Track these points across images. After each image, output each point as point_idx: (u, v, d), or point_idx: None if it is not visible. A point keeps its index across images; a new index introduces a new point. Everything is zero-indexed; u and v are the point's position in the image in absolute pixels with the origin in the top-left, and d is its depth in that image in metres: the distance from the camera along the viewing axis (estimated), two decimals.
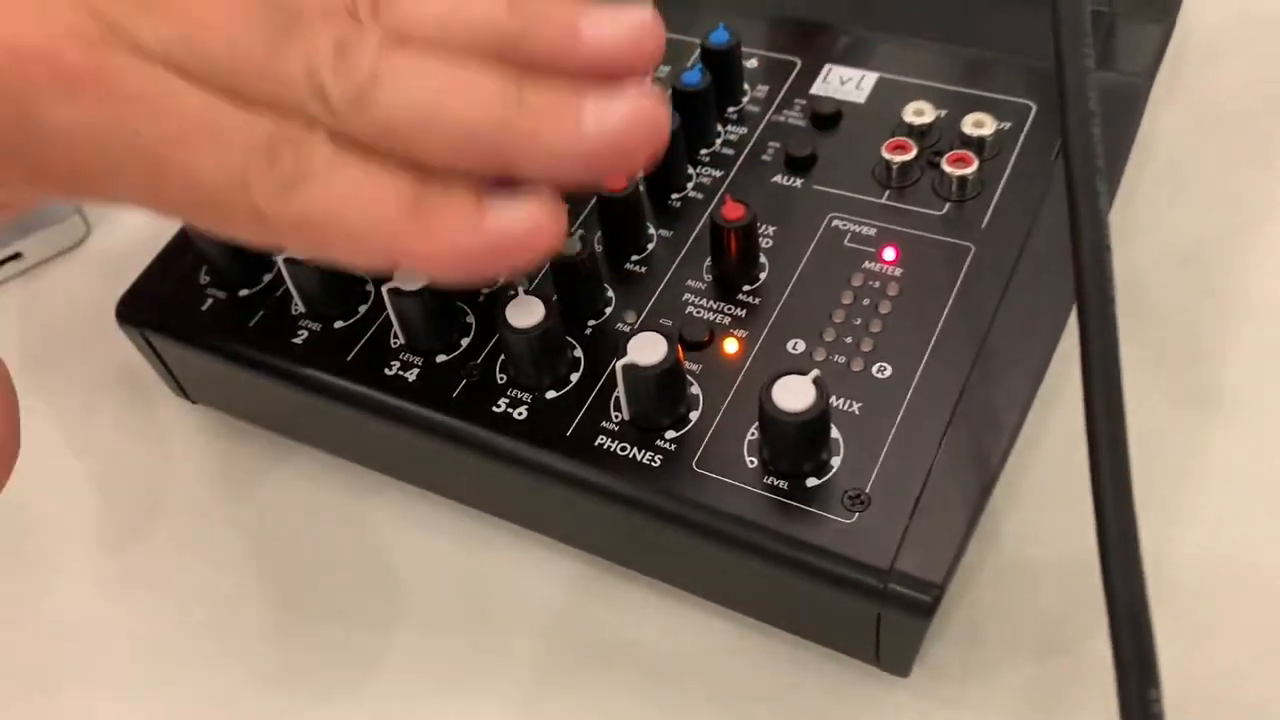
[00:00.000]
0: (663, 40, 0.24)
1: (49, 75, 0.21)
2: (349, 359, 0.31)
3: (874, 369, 0.28)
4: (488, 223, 0.21)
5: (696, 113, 0.33)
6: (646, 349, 0.27)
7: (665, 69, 0.37)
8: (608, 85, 0.22)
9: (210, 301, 0.33)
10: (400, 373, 0.30)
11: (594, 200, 0.32)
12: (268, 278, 0.33)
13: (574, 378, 0.29)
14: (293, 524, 0.34)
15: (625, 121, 0.22)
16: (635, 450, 0.28)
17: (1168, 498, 0.30)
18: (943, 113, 0.33)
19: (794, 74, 0.36)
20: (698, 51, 0.35)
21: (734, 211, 0.29)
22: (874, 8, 0.37)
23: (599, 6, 0.23)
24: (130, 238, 0.43)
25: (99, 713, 0.30)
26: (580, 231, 0.31)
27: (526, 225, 0.22)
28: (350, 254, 0.22)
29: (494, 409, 0.29)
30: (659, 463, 0.27)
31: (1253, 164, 0.37)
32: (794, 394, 0.25)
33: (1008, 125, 0.33)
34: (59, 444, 0.36)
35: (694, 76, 0.33)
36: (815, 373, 0.26)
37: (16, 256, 0.42)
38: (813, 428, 0.26)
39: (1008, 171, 0.32)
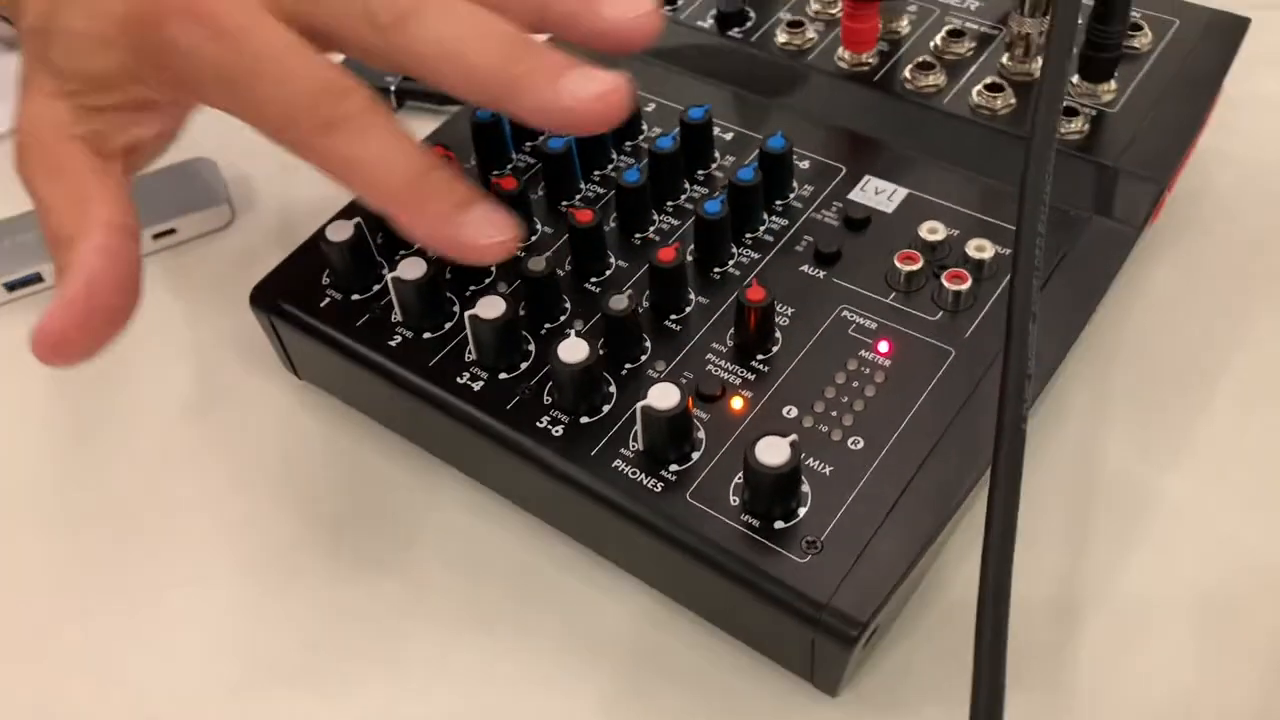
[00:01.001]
0: (658, 27, 0.31)
1: (182, 6, 0.29)
2: (431, 364, 0.38)
3: (849, 441, 0.34)
4: (460, 224, 0.29)
5: (745, 203, 0.40)
6: (663, 396, 0.33)
7: (730, 159, 0.43)
8: (591, 66, 0.29)
9: (328, 300, 0.40)
10: (469, 382, 0.37)
11: (647, 266, 0.38)
12: (377, 288, 0.40)
13: (606, 409, 0.36)
14: (367, 497, 0.41)
15: (592, 99, 0.28)
16: (643, 475, 0.34)
17: (1119, 532, 0.36)
18: (954, 232, 0.39)
19: (837, 179, 0.42)
20: (757, 151, 0.41)
21: (756, 294, 0.36)
22: (920, 133, 0.43)
23: None
24: (267, 228, 0.50)
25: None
26: (630, 291, 0.37)
27: (487, 241, 0.29)
28: (361, 195, 0.30)
29: (538, 423, 0.36)
30: (660, 489, 0.34)
31: (1229, 310, 0.42)
32: (773, 451, 0.32)
33: (1006, 252, 0.39)
34: (175, 390, 0.44)
35: (748, 174, 0.39)
36: (794, 437, 0.32)
37: (171, 231, 0.50)
38: (784, 481, 0.32)
39: (997, 293, 0.38)
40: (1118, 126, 0.41)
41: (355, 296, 0.40)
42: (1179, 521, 0.37)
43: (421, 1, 0.29)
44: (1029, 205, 0.30)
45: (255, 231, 0.51)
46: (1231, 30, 0.45)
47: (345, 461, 0.42)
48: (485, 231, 0.29)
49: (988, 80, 0.43)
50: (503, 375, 0.37)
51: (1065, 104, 0.41)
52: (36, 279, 0.48)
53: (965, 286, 0.37)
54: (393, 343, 0.39)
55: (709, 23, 0.48)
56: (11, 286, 0.48)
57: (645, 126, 0.45)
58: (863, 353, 0.36)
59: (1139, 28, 0.44)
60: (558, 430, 0.36)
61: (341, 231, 0.39)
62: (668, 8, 0.49)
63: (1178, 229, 0.45)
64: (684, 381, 0.36)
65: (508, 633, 0.37)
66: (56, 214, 0.31)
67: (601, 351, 0.37)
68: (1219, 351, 0.41)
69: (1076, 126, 0.41)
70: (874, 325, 0.37)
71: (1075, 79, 0.42)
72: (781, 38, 0.46)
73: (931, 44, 0.45)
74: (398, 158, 0.29)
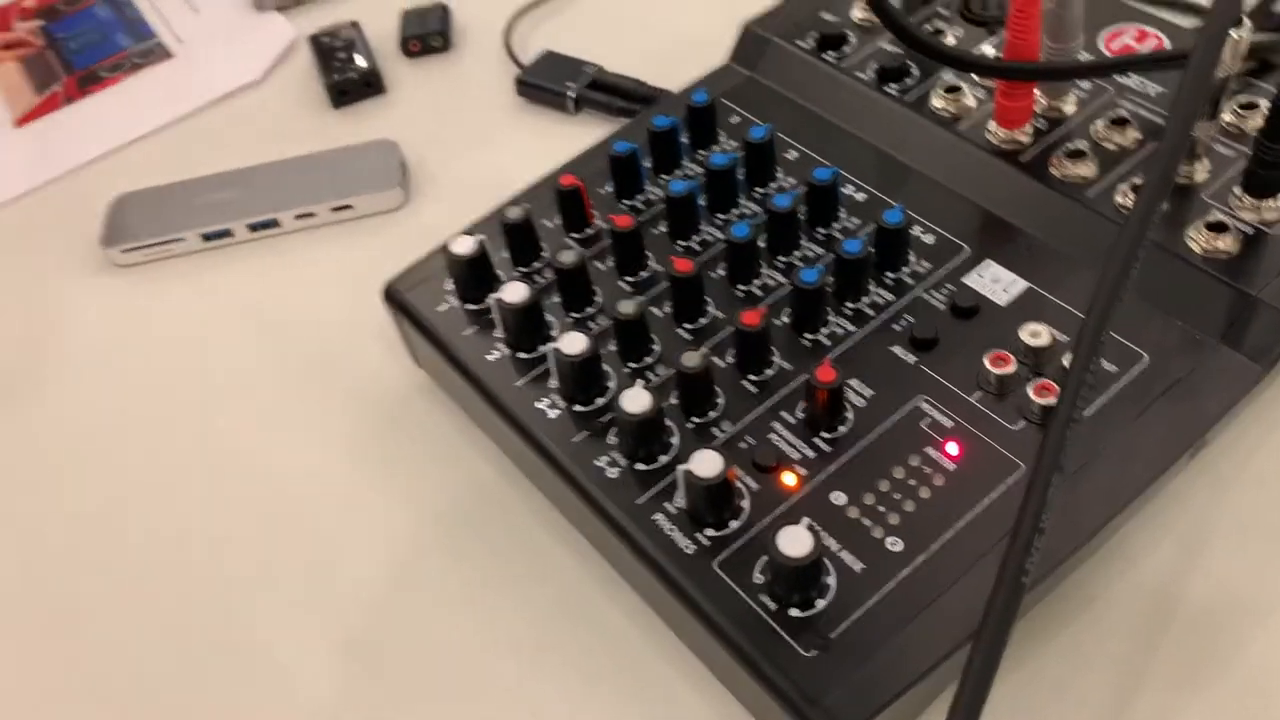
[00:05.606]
0: None
1: None
2: (517, 384, 0.40)
3: (888, 540, 0.34)
4: None
5: (849, 276, 0.39)
6: (706, 464, 0.34)
7: (855, 221, 0.42)
8: None
9: (445, 305, 0.43)
10: (546, 408, 0.39)
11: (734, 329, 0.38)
12: (490, 300, 0.42)
13: (663, 459, 0.37)
14: (454, 494, 0.43)
15: None
16: (679, 534, 0.35)
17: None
18: (1063, 339, 0.37)
19: (958, 259, 0.41)
20: (874, 226, 0.40)
21: (826, 375, 0.36)
22: (1058, 225, 0.40)
23: None
24: (433, 218, 0.54)
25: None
26: (705, 350, 0.38)
27: None
28: None
29: (596, 461, 0.37)
30: (692, 551, 0.35)
31: None
32: (796, 543, 0.32)
33: (1113, 369, 0.36)
34: (308, 355, 0.49)
35: (854, 246, 0.39)
36: (811, 533, 0.32)
37: (348, 207, 0.54)
38: (800, 574, 0.32)
39: (1089, 412, 0.36)
40: (1274, 250, 0.38)
41: (470, 307, 0.43)
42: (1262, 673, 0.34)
43: None
44: (1082, 353, 0.29)
45: (421, 218, 0.54)
46: None
47: (442, 451, 0.44)
48: None
49: (1136, 180, 0.40)
50: (578, 408, 0.39)
51: (1215, 219, 0.38)
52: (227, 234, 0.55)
53: (1051, 401, 0.35)
54: (489, 357, 0.41)
55: (869, 74, 0.47)
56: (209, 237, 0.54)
57: (780, 173, 0.45)
58: (929, 450, 0.36)
59: None
60: (613, 472, 0.37)
61: (464, 246, 0.42)
62: (831, 53, 0.48)
63: None
64: (743, 447, 0.37)
65: (550, 663, 0.39)
66: None
67: (674, 401, 0.38)
68: None
69: (1225, 245, 0.38)
70: (950, 424, 0.36)
71: (1238, 190, 0.39)
72: (937, 102, 0.45)
73: (1092, 129, 0.42)
74: None
